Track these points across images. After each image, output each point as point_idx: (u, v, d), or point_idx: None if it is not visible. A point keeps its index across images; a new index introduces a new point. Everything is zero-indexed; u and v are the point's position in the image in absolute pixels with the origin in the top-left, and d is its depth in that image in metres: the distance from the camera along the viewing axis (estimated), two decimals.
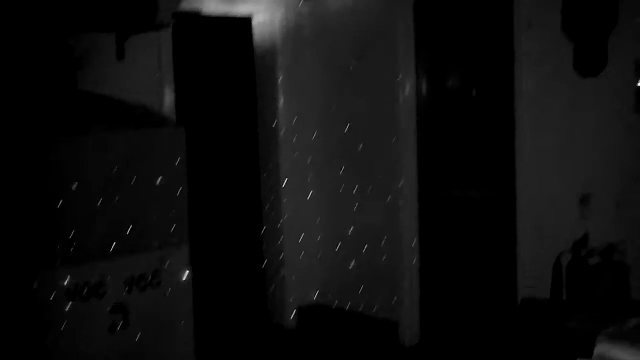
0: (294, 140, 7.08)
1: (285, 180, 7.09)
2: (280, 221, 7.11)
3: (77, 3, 5.52)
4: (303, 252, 7.18)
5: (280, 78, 7.02)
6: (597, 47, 5.16)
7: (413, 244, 6.29)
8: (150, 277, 4.99)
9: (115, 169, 4.93)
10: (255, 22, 7.07)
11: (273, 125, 7.08)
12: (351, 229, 6.61)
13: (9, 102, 5.16)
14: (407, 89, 6.39)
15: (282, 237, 7.13)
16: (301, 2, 7.01)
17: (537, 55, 5.52)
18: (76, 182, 4.77)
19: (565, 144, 5.47)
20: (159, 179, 5.15)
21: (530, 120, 5.60)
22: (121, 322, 4.82)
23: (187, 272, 5.10)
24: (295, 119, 7.10)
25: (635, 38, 4.98)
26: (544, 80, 5.51)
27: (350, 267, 6.66)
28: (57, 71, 5.50)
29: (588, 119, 5.24)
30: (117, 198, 4.93)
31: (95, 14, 5.59)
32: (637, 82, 4.93)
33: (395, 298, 6.30)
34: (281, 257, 7.16)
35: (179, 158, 5.41)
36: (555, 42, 5.39)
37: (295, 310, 7.17)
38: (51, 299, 4.56)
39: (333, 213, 6.86)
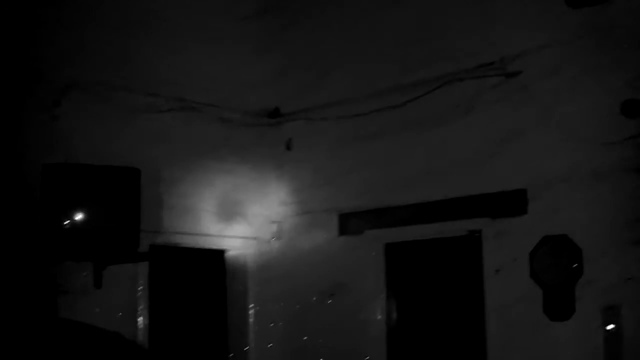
0: None
1: None
2: None
3: (59, 235, 5.73)
4: None
5: (252, 310, 7.25)
6: (565, 293, 5.51)
7: None
8: None
9: None
10: (228, 255, 7.38)
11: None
12: None
13: None
14: (378, 325, 6.65)
15: None
16: (273, 240, 7.38)
17: (507, 299, 5.84)
18: None
19: None
20: None
21: None
22: None
23: None
24: (268, 347, 7.24)
25: (600, 288, 5.39)
26: (514, 323, 5.78)
27: None
28: (39, 299, 5.58)
29: None
30: None
31: (77, 246, 5.79)
32: (605, 329, 5.27)
33: None
34: None
35: None
36: (524, 287, 5.71)
37: None
38: None
39: None
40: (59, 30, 6.37)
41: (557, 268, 5.59)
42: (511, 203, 5.87)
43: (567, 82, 5.76)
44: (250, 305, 7.23)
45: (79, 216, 5.78)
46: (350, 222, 6.89)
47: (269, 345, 7.15)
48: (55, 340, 5.25)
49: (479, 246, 6.05)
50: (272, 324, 7.25)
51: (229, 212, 7.16)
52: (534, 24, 5.95)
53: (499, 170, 6.00)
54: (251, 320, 7.22)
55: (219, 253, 7.34)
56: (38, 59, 6.20)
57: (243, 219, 7.26)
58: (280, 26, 7.67)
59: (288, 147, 7.44)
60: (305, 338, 7.04)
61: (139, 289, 6.50)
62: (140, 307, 6.50)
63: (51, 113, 6.19)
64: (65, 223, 5.85)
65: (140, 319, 6.48)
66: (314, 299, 7.03)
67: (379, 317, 6.69)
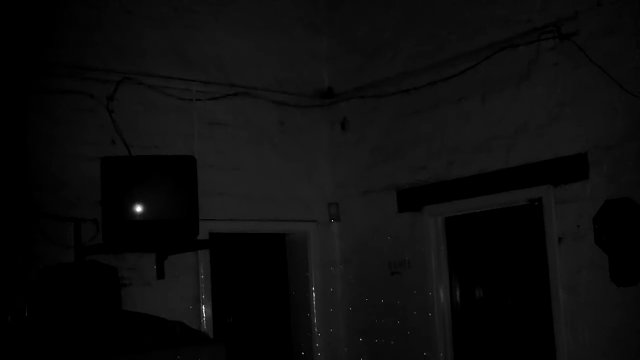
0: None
1: None
2: None
3: (120, 228, 5.76)
4: None
5: (314, 293, 7.22)
6: (632, 258, 5.33)
7: None
8: None
9: None
10: (288, 239, 7.40)
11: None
12: None
13: (62, 323, 5.30)
14: (442, 301, 6.59)
15: None
16: (332, 221, 7.34)
17: (572, 267, 5.68)
18: None
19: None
20: None
21: (569, 335, 5.70)
22: None
23: None
24: (330, 331, 7.24)
25: None
26: (581, 291, 5.62)
27: None
28: (103, 292, 5.66)
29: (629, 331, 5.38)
30: None
31: (138, 238, 5.83)
32: None
33: None
34: None
35: None
36: (589, 254, 5.55)
37: None
38: None
39: None
40: (109, 25, 6.43)
41: (622, 232, 5.39)
42: (572, 168, 5.68)
43: (624, 41, 5.53)
44: (313, 288, 7.20)
45: (138, 208, 5.82)
46: (409, 199, 6.79)
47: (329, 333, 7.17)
48: (120, 333, 5.30)
49: (540, 215, 5.87)
50: (334, 307, 7.23)
51: (287, 196, 7.15)
52: None
53: (558, 135, 5.81)
54: (314, 303, 7.19)
55: (279, 237, 7.36)
56: (91, 56, 6.27)
57: (301, 202, 7.25)
58: (330, 6, 7.65)
59: (343, 127, 7.39)
60: (369, 319, 7.01)
61: (201, 277, 6.53)
62: (203, 296, 6.53)
63: (106, 107, 6.25)
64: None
65: (203, 308, 6.51)
66: (377, 278, 6.98)
67: (443, 293, 6.60)
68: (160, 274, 6.29)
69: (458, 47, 6.49)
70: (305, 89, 7.44)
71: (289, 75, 7.35)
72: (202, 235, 6.24)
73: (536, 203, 5.93)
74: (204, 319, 6.50)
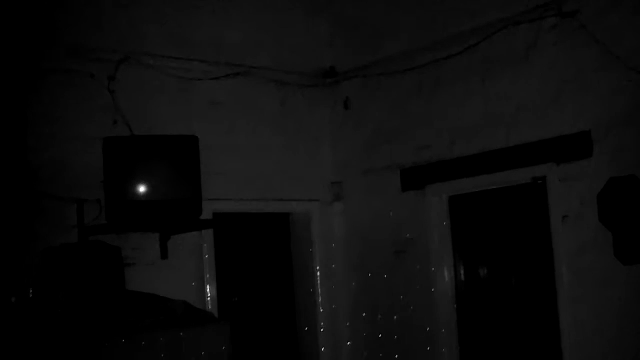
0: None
1: None
2: None
3: (123, 208, 5.76)
4: None
5: (318, 273, 7.26)
6: (636, 236, 5.32)
7: None
8: None
9: None
10: (291, 219, 7.41)
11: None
12: None
13: (66, 303, 5.31)
14: (446, 280, 6.62)
15: None
16: (335, 201, 7.36)
17: (576, 245, 5.68)
18: None
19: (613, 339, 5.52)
20: None
21: (573, 314, 5.71)
22: None
23: None
24: (333, 308, 7.28)
25: None
26: (585, 270, 5.62)
27: None
28: (106, 272, 5.67)
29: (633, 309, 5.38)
30: None
31: (141, 218, 5.83)
32: None
33: None
34: None
35: (225, 354, 5.50)
36: (593, 232, 5.54)
37: None
38: None
39: None
40: (109, 5, 6.40)
41: (626, 210, 5.40)
42: (575, 146, 5.67)
43: (626, 19, 5.51)
44: (317, 267, 7.23)
45: (141, 187, 5.81)
46: (412, 177, 6.79)
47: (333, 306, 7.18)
48: (124, 313, 5.32)
49: (544, 193, 5.88)
50: (338, 284, 7.27)
51: (289, 175, 7.16)
52: None
53: (561, 113, 5.80)
54: (318, 281, 7.23)
55: (282, 217, 7.38)
56: (91, 36, 6.24)
57: (303, 181, 7.25)
58: None
59: (346, 106, 7.38)
60: (372, 296, 7.04)
61: (205, 257, 6.54)
62: (207, 275, 6.54)
63: (107, 87, 6.23)
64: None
65: (207, 287, 6.54)
66: (380, 257, 6.99)
67: (447, 271, 6.63)
68: (164, 254, 6.31)
69: (460, 26, 6.44)
70: (307, 69, 7.41)
71: (290, 55, 7.32)
72: (206, 215, 6.23)
73: (540, 181, 5.93)
74: (209, 298, 6.52)
